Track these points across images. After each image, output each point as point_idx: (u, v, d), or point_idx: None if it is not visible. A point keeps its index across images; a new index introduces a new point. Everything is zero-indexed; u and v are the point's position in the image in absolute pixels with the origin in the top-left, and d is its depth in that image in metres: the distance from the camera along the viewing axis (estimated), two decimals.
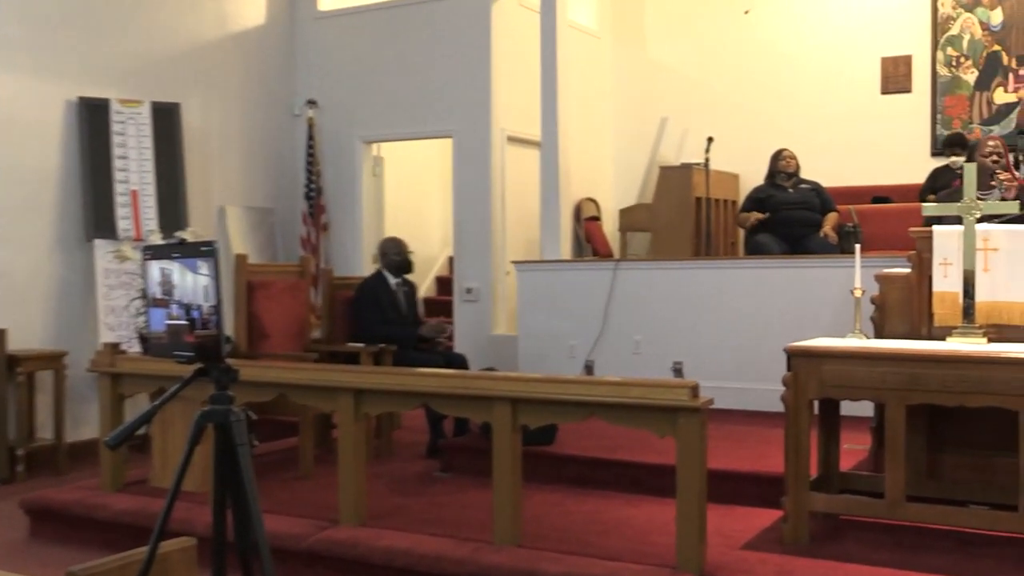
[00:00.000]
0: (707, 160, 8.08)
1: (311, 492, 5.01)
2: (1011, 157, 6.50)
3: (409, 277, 6.50)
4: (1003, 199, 4.97)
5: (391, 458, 5.95)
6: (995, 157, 5.25)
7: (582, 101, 9.01)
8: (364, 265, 8.68)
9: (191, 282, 2.49)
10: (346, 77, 9.02)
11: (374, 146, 9.21)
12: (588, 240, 9.10)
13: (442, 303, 9.58)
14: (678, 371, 6.75)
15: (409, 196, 10.21)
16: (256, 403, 4.20)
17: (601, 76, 9.77)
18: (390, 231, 8.84)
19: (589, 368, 7.09)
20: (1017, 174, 5.34)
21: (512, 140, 8.65)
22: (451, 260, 9.39)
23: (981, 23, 8.50)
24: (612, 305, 7.12)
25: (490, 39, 8.38)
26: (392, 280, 6.38)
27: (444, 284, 10.14)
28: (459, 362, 6.22)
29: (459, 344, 8.17)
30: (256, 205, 8.70)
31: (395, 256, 6.39)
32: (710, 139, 8.14)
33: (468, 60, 8.46)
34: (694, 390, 3.57)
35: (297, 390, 4.44)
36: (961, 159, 7.56)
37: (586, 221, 9.15)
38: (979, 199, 4.70)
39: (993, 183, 5.04)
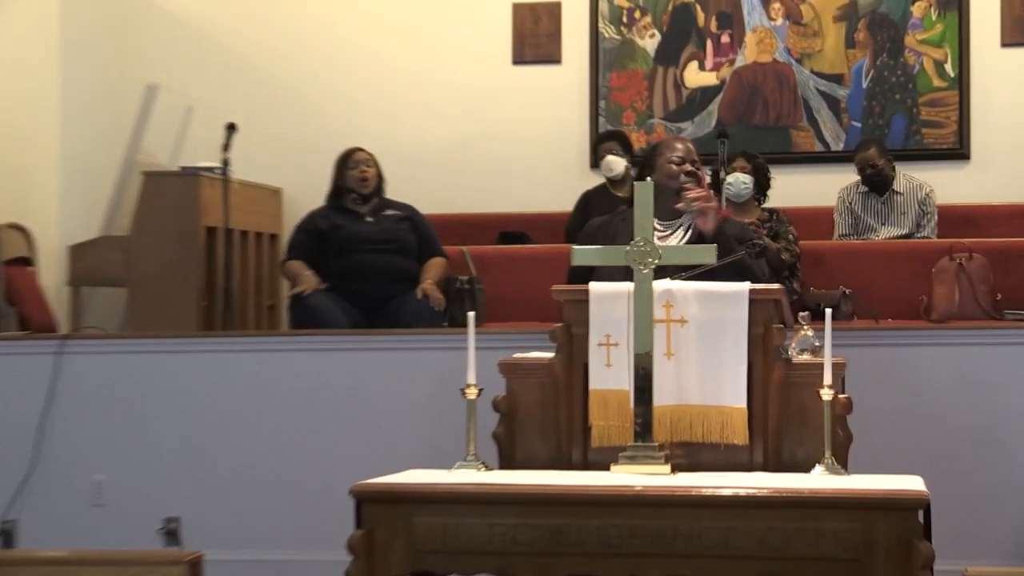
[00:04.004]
0: (227, 163, 8.16)
1: None
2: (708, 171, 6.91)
3: None
4: (695, 231, 5.26)
5: None
6: (687, 167, 5.43)
7: (5, 49, 8.82)
8: None
9: None
10: None
11: None
12: (11, 300, 8.84)
13: None
14: (171, 534, 6.76)
15: None
16: None
17: (42, 8, 9.58)
18: None
19: (6, 535, 6.95)
20: (709, 192, 5.54)
21: None
22: None
23: None
24: (54, 419, 6.99)
25: None
26: None
27: None
28: None
29: None
30: None
31: None
32: (232, 127, 8.24)
33: None
34: (194, 567, 3.53)
35: None
36: (620, 161, 8.16)
37: (7, 266, 8.88)
38: (658, 235, 5.02)
39: (680, 204, 5.33)
